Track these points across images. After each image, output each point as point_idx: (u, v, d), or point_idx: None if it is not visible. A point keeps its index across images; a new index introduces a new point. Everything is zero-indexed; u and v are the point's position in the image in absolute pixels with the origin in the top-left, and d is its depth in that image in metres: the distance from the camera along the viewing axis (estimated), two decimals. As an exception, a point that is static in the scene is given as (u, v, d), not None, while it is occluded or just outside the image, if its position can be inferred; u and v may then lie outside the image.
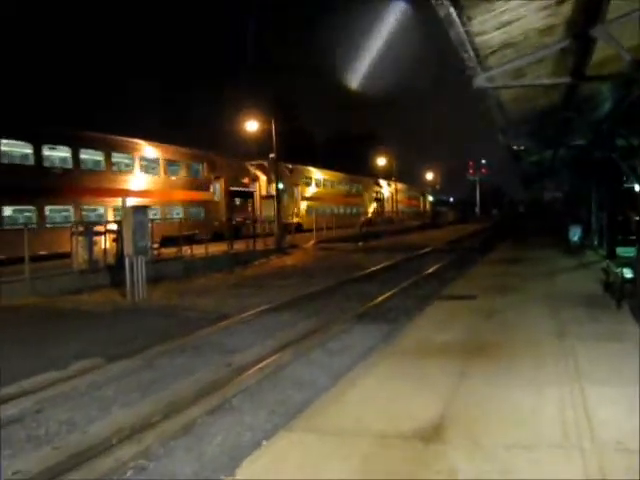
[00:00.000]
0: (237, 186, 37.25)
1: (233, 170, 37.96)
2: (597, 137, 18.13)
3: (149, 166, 32.59)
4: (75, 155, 27.88)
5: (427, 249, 33.57)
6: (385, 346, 9.46)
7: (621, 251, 22.38)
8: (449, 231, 60.18)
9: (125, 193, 28.55)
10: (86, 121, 44.67)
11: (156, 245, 24.63)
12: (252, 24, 79.62)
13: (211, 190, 35.69)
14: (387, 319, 12.95)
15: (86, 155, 29.07)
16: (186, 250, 25.90)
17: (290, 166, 47.63)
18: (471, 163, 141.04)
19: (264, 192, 41.71)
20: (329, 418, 6.11)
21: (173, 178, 34.04)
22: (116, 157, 30.63)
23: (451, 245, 38.56)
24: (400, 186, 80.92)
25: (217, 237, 31.54)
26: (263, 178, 43.00)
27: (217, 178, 35.78)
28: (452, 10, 7.15)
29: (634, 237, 26.23)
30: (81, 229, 20.88)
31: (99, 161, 29.59)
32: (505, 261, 22.07)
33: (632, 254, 22.25)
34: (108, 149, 29.76)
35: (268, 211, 37.18)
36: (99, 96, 68.05)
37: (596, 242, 25.27)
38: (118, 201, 28.45)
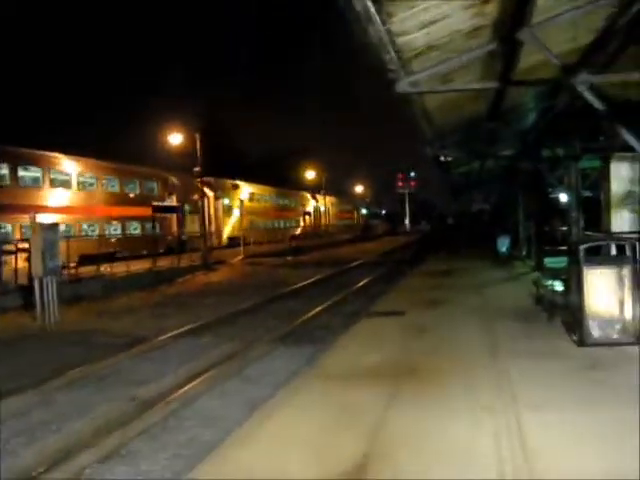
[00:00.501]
0: (188, 202, 36.48)
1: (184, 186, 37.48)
2: (523, 148, 17.93)
3: (65, 180, 31.11)
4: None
5: (357, 262, 33.16)
6: (309, 369, 8.76)
7: (549, 262, 22.26)
8: (380, 243, 60.17)
9: (35, 209, 26.90)
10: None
11: (73, 264, 23.41)
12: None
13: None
14: (312, 339, 12.24)
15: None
16: (106, 268, 24.71)
17: (235, 182, 47.21)
18: (400, 176, 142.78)
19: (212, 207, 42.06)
20: (238, 461, 5.34)
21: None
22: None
23: (381, 258, 38.30)
24: (331, 199, 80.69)
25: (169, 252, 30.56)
26: (210, 194, 43.22)
27: (170, 194, 35.27)
28: (370, 4, 6.51)
29: (561, 247, 26.42)
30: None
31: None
32: (435, 273, 21.72)
33: (560, 265, 22.27)
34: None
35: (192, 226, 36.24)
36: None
37: (524, 253, 25.20)
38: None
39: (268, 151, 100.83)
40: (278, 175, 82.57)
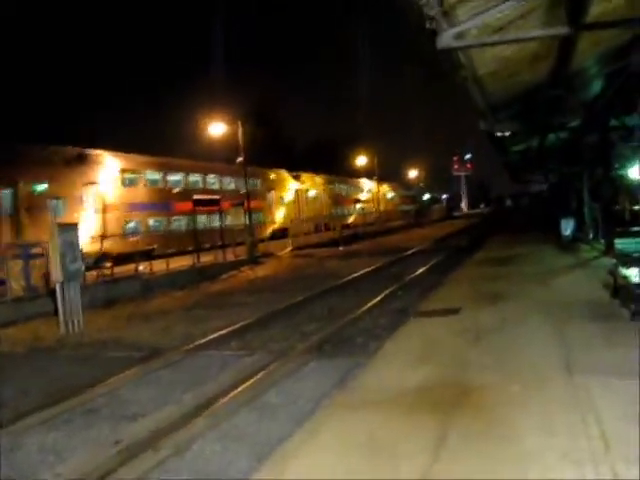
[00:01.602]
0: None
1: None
2: (589, 118, 16.01)
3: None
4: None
5: (411, 250, 31.43)
6: (340, 394, 7.23)
7: (620, 245, 20.27)
8: (435, 229, 58.20)
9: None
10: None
11: (109, 264, 22.36)
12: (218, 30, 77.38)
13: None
14: (352, 348, 10.62)
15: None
16: (146, 267, 23.62)
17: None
18: (456, 159, 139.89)
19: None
20: None
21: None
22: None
23: (437, 244, 36.39)
24: (383, 185, 78.77)
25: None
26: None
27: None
28: None
29: (635, 228, 24.27)
30: (16, 251, 18.53)
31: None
32: (494, 261, 19.93)
33: (633, 247, 20.24)
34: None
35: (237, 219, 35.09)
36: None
37: (591, 235, 23.16)
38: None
39: (318, 138, 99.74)
40: (329, 162, 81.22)
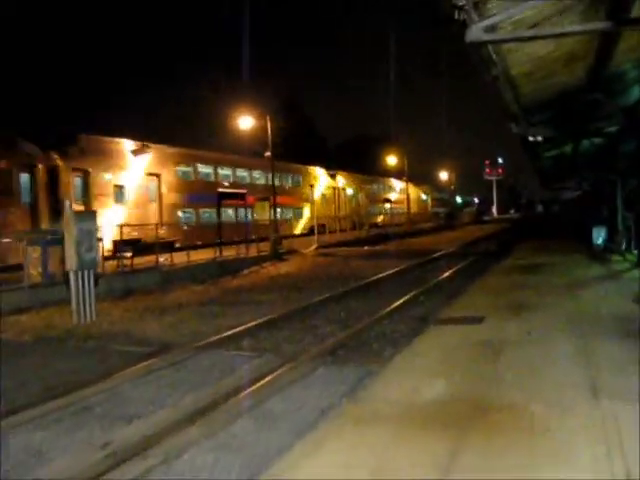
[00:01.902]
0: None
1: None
2: (628, 124, 15.33)
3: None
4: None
5: (437, 253, 30.82)
6: (348, 404, 6.81)
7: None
8: (465, 232, 57.38)
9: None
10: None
11: (129, 254, 22.13)
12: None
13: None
14: (366, 354, 10.12)
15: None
16: (166, 259, 23.34)
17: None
18: (487, 162, 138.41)
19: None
20: None
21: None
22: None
23: (464, 249, 35.67)
24: (414, 186, 78.06)
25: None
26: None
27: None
28: None
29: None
30: (34, 236, 18.35)
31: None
32: (522, 268, 19.35)
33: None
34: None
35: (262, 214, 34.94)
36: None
37: (624, 246, 22.46)
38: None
39: (350, 136, 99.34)
40: (360, 161, 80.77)
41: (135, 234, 26.54)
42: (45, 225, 23.84)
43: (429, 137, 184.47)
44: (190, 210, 34.00)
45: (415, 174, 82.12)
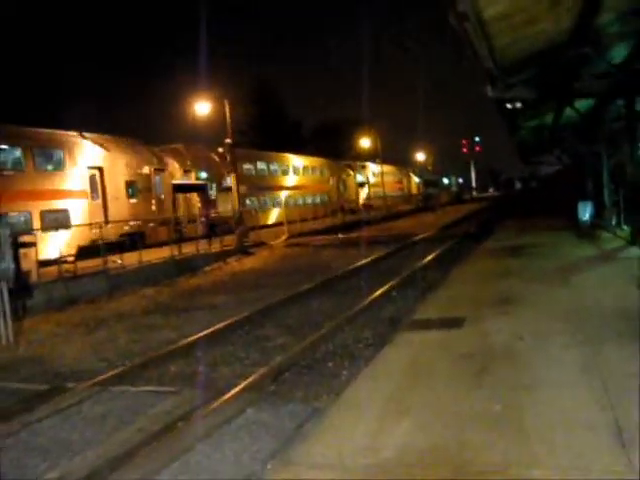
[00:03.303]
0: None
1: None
2: (616, 84, 13.43)
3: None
4: None
5: (415, 238, 28.85)
6: (271, 472, 4.84)
7: (651, 232, 17.78)
8: (443, 214, 55.51)
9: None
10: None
11: (71, 258, 19.99)
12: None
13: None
14: (318, 378, 8.12)
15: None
16: (115, 260, 21.19)
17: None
18: (464, 142, 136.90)
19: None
20: None
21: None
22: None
23: (443, 232, 33.78)
24: (388, 168, 76.08)
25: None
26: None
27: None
28: None
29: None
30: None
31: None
32: (505, 251, 17.47)
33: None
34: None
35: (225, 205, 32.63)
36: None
37: (614, 222, 20.67)
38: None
39: (323, 120, 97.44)
40: (332, 146, 78.88)
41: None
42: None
43: (406, 119, 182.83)
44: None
45: (393, 156, 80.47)
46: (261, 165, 46.34)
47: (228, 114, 28.92)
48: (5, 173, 23.71)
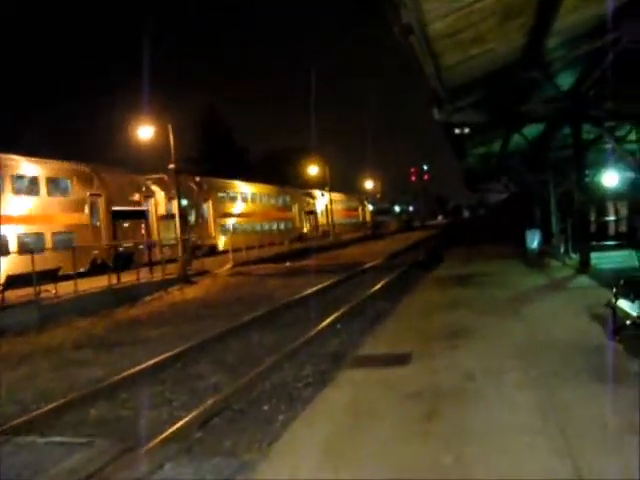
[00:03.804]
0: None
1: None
2: (564, 110, 13.13)
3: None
4: None
5: (362, 267, 28.31)
6: None
7: (600, 260, 17.58)
8: (392, 242, 55.30)
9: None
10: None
11: (-2, 287, 18.89)
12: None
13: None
14: (250, 425, 7.29)
15: None
16: (47, 290, 20.06)
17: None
18: (413, 170, 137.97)
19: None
20: None
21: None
22: None
23: (392, 260, 33.38)
24: (337, 196, 75.81)
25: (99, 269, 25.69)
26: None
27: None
28: None
29: (613, 242, 21.69)
30: None
31: None
32: (454, 280, 17.06)
33: (619, 264, 17.54)
34: None
35: (167, 233, 31.42)
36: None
37: (562, 250, 20.50)
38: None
39: (269, 149, 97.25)
40: (280, 173, 78.40)
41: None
42: None
43: (355, 148, 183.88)
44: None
45: (342, 184, 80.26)
46: (233, 193, 45.87)
47: (172, 139, 28.06)
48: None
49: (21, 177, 26.21)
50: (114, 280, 22.93)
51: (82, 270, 24.07)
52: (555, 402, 5.97)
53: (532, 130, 17.53)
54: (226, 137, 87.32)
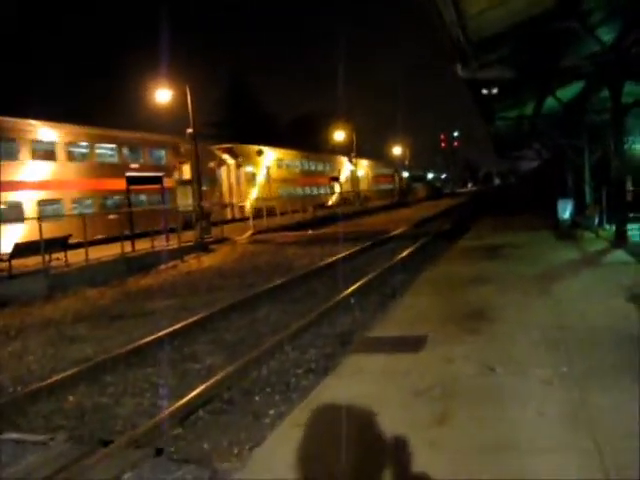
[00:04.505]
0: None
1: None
2: (602, 70, 11.92)
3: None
4: None
5: (386, 235, 27.30)
6: None
7: (635, 233, 16.43)
8: (419, 209, 54.11)
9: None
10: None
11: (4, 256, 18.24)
12: None
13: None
14: (238, 420, 6.47)
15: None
16: (56, 258, 19.42)
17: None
18: (443, 137, 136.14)
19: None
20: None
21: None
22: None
23: (418, 228, 32.27)
24: (366, 163, 74.54)
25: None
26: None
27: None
28: None
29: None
30: None
31: None
32: (480, 251, 16.03)
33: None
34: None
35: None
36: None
37: (596, 221, 19.30)
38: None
39: (298, 115, 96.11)
40: (309, 139, 77.36)
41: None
42: None
43: (384, 113, 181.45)
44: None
45: (369, 150, 79.04)
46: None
47: (190, 102, 27.13)
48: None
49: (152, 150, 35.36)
50: (128, 248, 22.29)
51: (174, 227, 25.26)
52: (589, 408, 5.01)
53: (567, 92, 16.26)
54: (254, 103, 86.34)
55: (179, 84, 28.59)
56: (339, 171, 67.61)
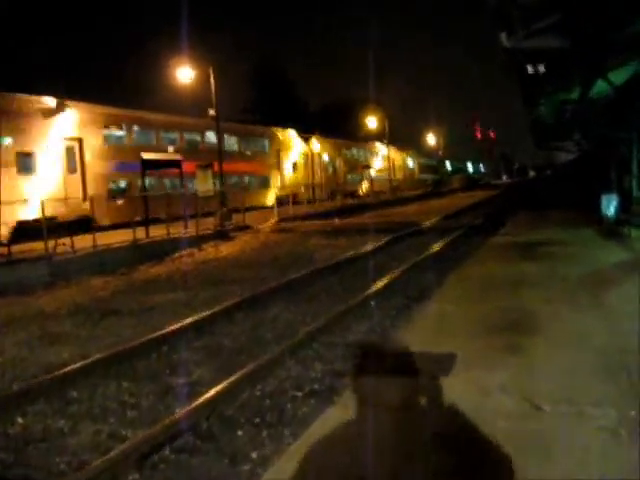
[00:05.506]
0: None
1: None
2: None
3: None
4: None
5: (416, 227, 25.86)
6: None
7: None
8: (453, 200, 52.48)
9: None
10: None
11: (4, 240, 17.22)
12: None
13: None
14: (217, 461, 5.25)
15: None
16: (61, 243, 18.28)
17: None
18: (478, 128, 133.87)
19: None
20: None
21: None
22: None
23: (448, 221, 30.74)
24: (398, 151, 72.89)
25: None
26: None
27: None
28: None
29: None
30: None
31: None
32: (516, 249, 14.59)
33: None
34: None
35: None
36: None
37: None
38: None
39: (331, 100, 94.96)
40: (340, 126, 76.05)
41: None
42: None
43: (418, 101, 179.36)
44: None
45: (403, 139, 77.52)
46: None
47: (213, 82, 25.90)
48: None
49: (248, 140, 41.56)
50: (141, 234, 21.17)
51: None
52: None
53: (621, 74, 14.62)
54: (285, 89, 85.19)
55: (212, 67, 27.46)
56: (372, 160, 66.15)
